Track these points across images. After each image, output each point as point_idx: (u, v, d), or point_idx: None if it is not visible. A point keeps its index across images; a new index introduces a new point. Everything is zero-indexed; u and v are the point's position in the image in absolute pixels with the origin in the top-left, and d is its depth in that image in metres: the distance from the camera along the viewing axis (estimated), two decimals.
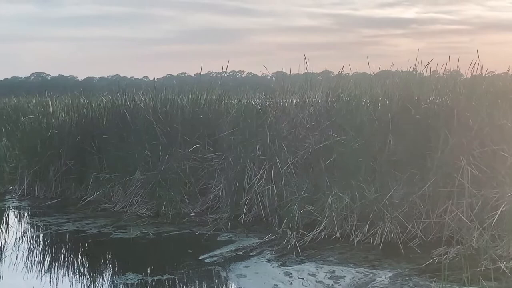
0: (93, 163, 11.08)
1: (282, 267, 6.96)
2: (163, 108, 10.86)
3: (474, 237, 7.32)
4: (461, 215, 7.65)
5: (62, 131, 11.75)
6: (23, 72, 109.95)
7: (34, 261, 7.60)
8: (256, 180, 9.31)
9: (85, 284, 6.73)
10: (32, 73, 66.90)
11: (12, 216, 10.50)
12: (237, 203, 9.48)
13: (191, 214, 9.73)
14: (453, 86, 8.93)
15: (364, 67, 10.91)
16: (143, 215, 9.82)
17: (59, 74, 64.09)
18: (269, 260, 7.26)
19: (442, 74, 9.76)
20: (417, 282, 6.32)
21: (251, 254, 7.57)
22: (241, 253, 7.63)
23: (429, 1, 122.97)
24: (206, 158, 10.18)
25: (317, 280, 6.48)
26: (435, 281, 6.13)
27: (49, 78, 65.05)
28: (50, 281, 6.78)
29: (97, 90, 16.08)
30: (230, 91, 11.52)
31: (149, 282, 6.66)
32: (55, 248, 8.50)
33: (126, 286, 6.57)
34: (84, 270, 7.35)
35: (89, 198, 10.79)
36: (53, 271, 7.20)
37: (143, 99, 11.31)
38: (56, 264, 7.61)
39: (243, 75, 45.35)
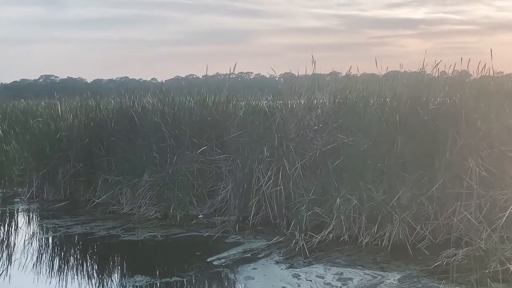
0: (101, 166, 11.12)
1: (290, 269, 6.95)
2: (171, 110, 10.89)
3: (482, 239, 7.27)
4: (469, 217, 7.62)
5: (70, 134, 11.82)
6: (32, 74, 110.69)
7: (43, 263, 7.62)
8: (264, 182, 9.31)
9: (94, 286, 6.76)
10: (41, 76, 67.36)
11: (21, 219, 10.53)
12: (245, 205, 9.48)
13: (199, 216, 9.74)
14: (461, 87, 8.91)
15: (372, 68, 10.90)
16: (151, 217, 9.83)
17: (68, 77, 64.40)
18: (277, 262, 7.25)
19: (450, 75, 9.74)
20: (426, 284, 6.29)
21: (259, 256, 7.56)
22: (249, 255, 7.62)
23: (437, 2, 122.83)
24: (214, 160, 10.19)
25: (325, 282, 6.47)
26: (443, 283, 6.12)
27: (57, 81, 65.36)
28: (59, 283, 6.82)
29: (106, 92, 16.15)
30: (238, 92, 11.52)
31: (158, 284, 6.67)
32: (64, 250, 8.52)
33: None
34: (92, 272, 7.36)
35: (97, 201, 10.82)
36: (62, 274, 7.23)
37: (151, 101, 11.34)
38: (65, 266, 7.64)
39: (251, 77, 45.46)
